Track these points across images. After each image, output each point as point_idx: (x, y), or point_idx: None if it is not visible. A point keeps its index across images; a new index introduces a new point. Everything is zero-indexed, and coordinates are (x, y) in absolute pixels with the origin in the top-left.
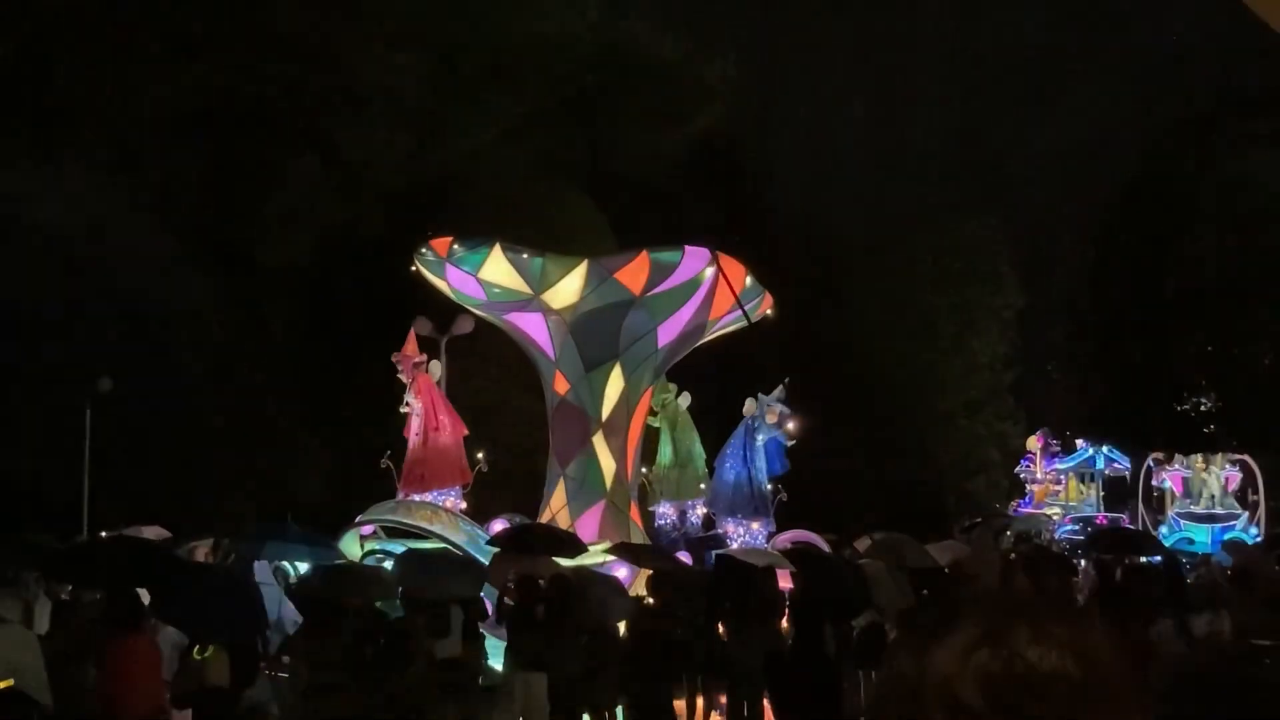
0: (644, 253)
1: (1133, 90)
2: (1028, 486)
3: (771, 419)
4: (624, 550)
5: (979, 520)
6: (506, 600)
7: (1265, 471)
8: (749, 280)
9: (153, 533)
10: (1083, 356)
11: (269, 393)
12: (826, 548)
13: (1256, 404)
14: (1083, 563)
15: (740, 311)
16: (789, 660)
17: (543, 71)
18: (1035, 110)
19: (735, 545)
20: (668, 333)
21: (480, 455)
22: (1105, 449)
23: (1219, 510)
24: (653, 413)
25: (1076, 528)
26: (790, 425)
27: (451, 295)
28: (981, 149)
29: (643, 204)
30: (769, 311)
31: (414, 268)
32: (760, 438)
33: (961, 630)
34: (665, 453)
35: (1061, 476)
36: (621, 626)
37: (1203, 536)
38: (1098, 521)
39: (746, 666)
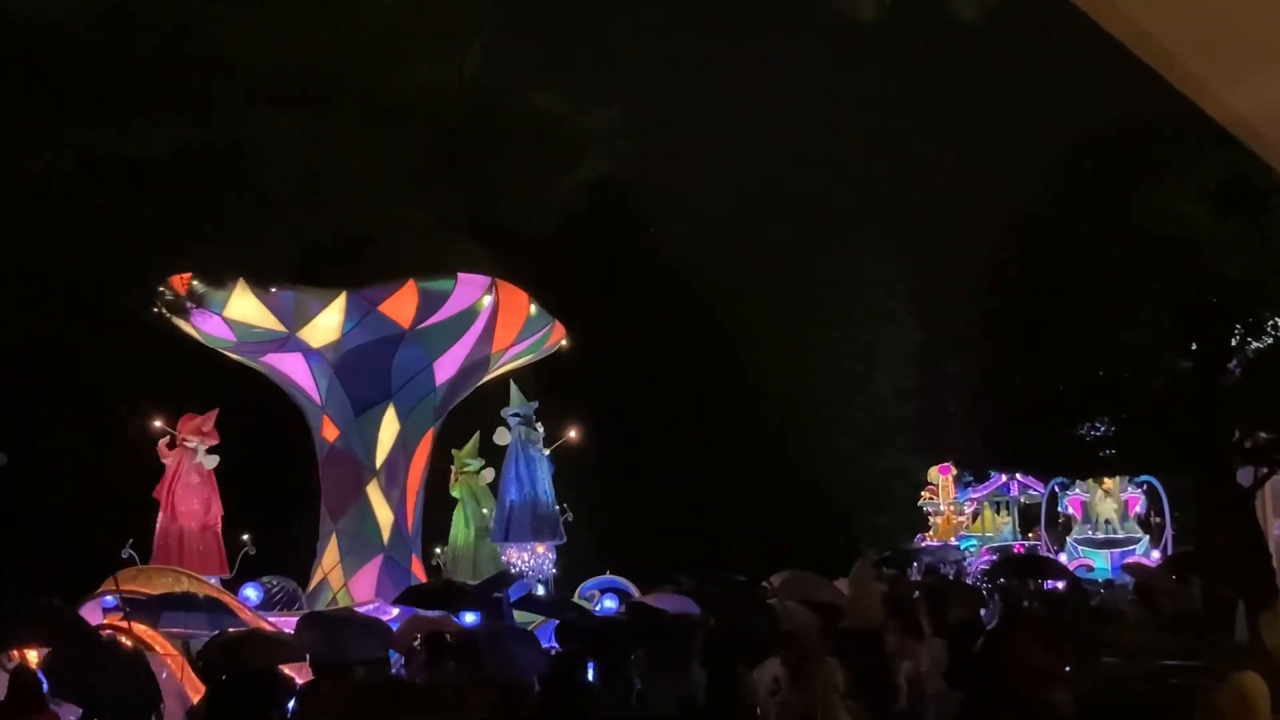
0: (410, 281)
1: (1025, 121)
2: (930, 519)
3: (537, 431)
4: (530, 603)
5: (887, 555)
6: (413, 661)
7: (1169, 492)
8: (534, 309)
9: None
10: (976, 387)
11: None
12: (636, 594)
13: (1151, 428)
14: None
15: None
16: (704, 705)
17: (424, 125)
18: (926, 142)
19: (520, 572)
20: (445, 369)
21: (245, 537)
22: (1019, 476)
23: (1118, 535)
24: (456, 476)
25: (995, 558)
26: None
27: (199, 338)
28: (875, 185)
29: (535, 254)
30: (562, 342)
31: (156, 310)
32: (535, 452)
33: None
34: (461, 529)
35: (966, 507)
36: None
37: (1101, 562)
38: (1015, 550)
39: (661, 714)
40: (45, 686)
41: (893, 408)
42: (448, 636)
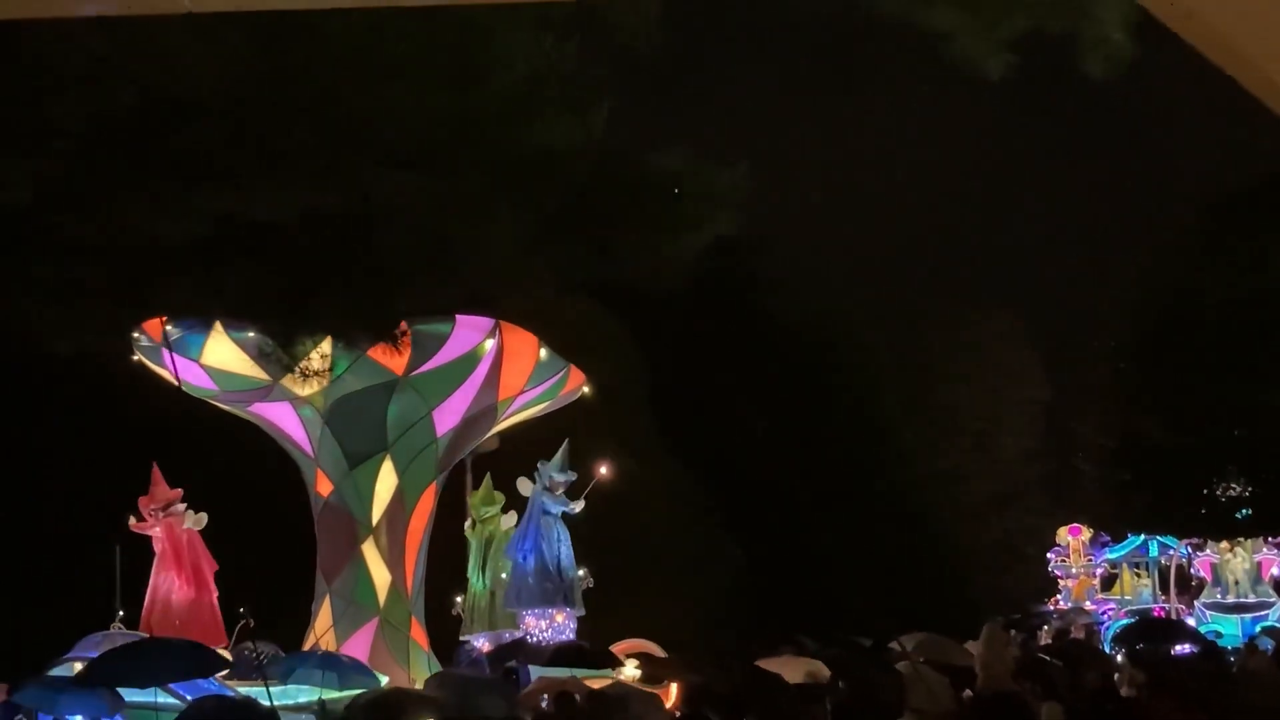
0: (402, 324)
1: (1159, 178)
2: (1062, 582)
3: (556, 490)
4: (649, 663)
5: (1016, 617)
6: None
7: None
8: (544, 354)
9: None
10: (1107, 446)
11: None
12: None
13: None
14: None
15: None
16: None
17: (550, 185)
18: (1052, 199)
19: (536, 641)
20: (447, 418)
21: (241, 610)
22: (1159, 537)
23: (1249, 599)
24: (474, 523)
25: (1132, 621)
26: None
27: (182, 387)
28: (1000, 242)
29: (657, 312)
30: (584, 389)
31: (134, 357)
32: (553, 512)
33: None
34: (476, 578)
35: (1098, 569)
36: None
37: (1231, 629)
38: (1155, 614)
39: None
40: None
41: (1020, 467)
42: (577, 697)
